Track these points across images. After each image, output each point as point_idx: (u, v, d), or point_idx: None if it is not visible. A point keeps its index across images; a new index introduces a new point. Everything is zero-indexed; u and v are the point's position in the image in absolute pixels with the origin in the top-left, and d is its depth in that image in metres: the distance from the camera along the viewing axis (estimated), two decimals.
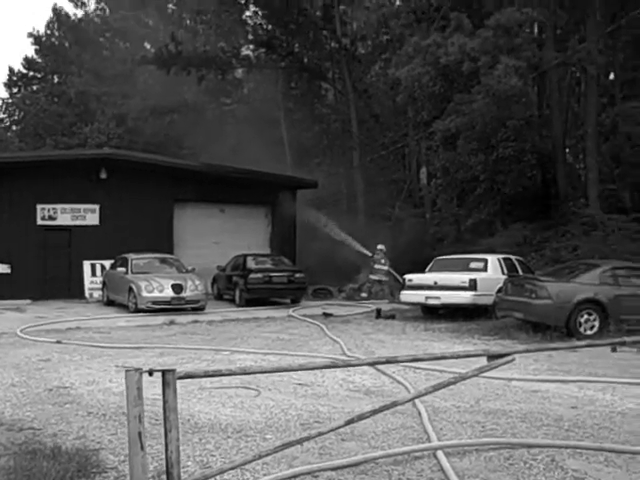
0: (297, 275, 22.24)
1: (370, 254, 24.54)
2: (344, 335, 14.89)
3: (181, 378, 4.83)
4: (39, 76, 55.18)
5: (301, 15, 32.77)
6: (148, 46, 38.10)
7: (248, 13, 34.29)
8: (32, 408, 8.32)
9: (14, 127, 57.13)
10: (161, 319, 17.68)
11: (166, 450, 4.71)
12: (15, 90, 56.84)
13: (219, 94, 37.38)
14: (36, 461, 6.09)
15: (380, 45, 33.98)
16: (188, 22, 40.68)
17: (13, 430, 7.33)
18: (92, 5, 52.83)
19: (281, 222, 27.44)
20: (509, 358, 5.29)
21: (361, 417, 4.89)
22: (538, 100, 28.21)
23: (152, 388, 7.62)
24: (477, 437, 6.87)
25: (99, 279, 23.22)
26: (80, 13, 53.53)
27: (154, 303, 19.18)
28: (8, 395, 9.03)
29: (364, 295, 23.75)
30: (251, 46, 34.06)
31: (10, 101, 57.56)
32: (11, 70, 55.91)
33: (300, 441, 5.28)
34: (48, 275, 23.36)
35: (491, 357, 5.22)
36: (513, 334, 14.79)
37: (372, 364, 5.46)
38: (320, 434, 5.00)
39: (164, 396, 4.69)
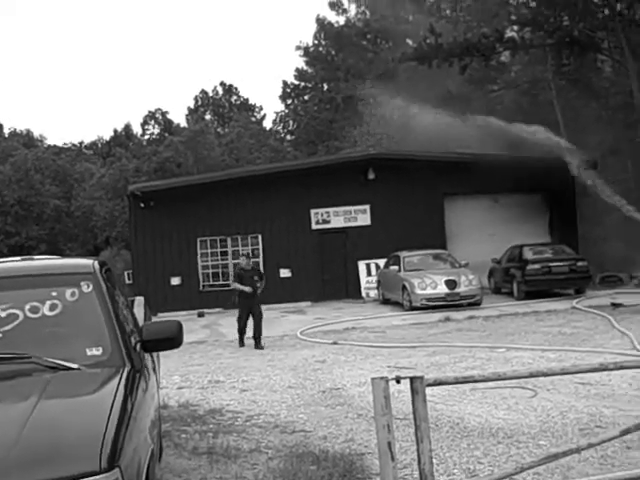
0: (579, 263, 20.80)
1: None
2: (635, 327, 13.56)
3: (430, 385, 4.50)
4: (309, 86, 58.08)
5: None
6: (410, 42, 38.22)
7: None
8: (305, 410, 8.48)
9: (289, 137, 60.78)
10: (436, 316, 17.48)
11: (419, 462, 4.41)
12: (289, 102, 60.38)
13: (484, 82, 36.40)
14: (303, 465, 6.10)
15: None
16: (448, 12, 40.20)
17: (286, 432, 7.50)
18: (353, 10, 54.49)
19: (560, 208, 25.93)
20: None
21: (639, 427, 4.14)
22: None
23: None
24: None
25: (374, 278, 23.62)
26: (342, 20, 55.42)
27: (428, 300, 19.02)
28: (285, 397, 9.31)
29: None
30: (515, 27, 32.65)
31: (284, 112, 61.31)
32: (284, 83, 59.50)
33: (569, 452, 4.63)
34: (325, 277, 24.25)
35: None
36: None
37: None
38: (590, 445, 4.35)
39: (413, 404, 4.40)
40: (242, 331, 14.91)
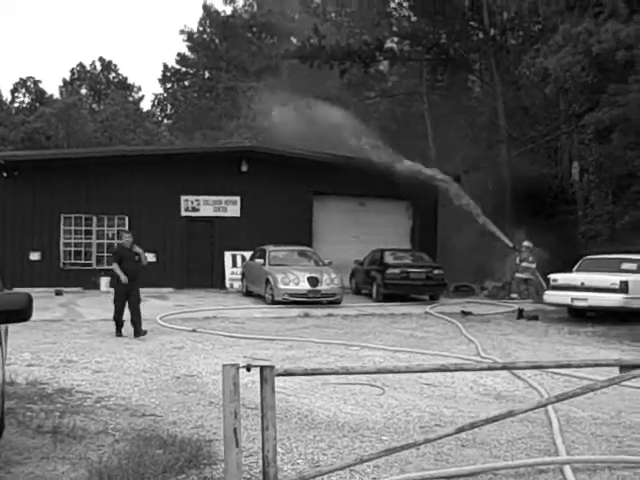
0: (436, 271, 21.70)
1: (512, 244, 23.60)
2: (481, 335, 14.35)
3: (280, 375, 4.64)
4: (191, 72, 57.43)
5: (447, 5, 32.00)
6: (294, 40, 38.61)
7: (393, 5, 33.95)
8: (158, 395, 8.45)
9: (166, 121, 59.85)
10: (296, 311, 17.75)
11: (263, 449, 4.54)
12: (168, 86, 59.46)
13: (362, 88, 37.28)
14: (150, 448, 6.10)
15: (532, 35, 32.65)
16: (333, 15, 40.90)
17: (136, 416, 7.45)
18: (240, 1, 54.44)
19: (422, 217, 26.95)
20: None
21: (474, 425, 4.47)
22: None
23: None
24: (612, 453, 6.26)
25: (239, 270, 23.68)
26: (229, 9, 55.29)
27: (290, 295, 19.26)
28: (138, 381, 9.23)
29: (514, 296, 22.44)
30: (395, 38, 33.68)
31: (163, 96, 60.31)
32: (165, 66, 58.52)
33: (407, 447, 4.91)
34: (191, 265, 24.11)
35: (625, 367, 4.64)
36: None
37: (487, 369, 5.02)
38: (427, 441, 4.63)
39: (262, 393, 4.52)
40: (119, 318, 13.27)
